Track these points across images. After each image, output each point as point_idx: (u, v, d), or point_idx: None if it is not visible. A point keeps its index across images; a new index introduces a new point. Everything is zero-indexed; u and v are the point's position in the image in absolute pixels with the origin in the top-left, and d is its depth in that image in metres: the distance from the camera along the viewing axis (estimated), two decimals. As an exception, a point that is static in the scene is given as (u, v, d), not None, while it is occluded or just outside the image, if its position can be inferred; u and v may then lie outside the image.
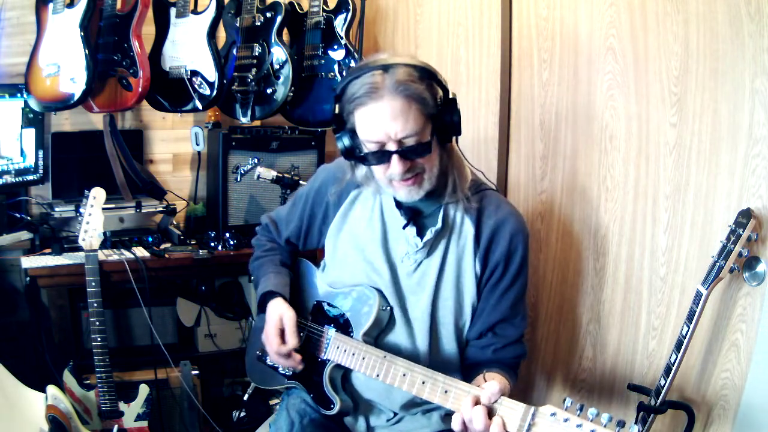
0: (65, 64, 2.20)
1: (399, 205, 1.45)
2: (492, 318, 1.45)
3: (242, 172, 2.32)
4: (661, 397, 1.48)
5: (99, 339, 1.98)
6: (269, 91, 2.45)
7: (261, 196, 2.50)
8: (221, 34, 2.48)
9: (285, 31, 2.52)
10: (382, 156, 1.32)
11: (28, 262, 2.17)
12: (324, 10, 2.49)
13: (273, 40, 2.43)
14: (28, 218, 2.37)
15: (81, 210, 2.02)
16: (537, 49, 2.02)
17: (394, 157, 1.31)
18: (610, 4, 1.77)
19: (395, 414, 1.50)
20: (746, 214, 1.38)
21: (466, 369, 1.47)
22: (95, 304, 1.96)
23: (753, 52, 1.42)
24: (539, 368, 2.10)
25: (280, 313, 1.48)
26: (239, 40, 2.45)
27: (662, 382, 1.48)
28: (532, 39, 2.04)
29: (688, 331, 1.42)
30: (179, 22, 2.32)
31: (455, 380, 1.25)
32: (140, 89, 2.25)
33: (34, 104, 2.27)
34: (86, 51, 2.18)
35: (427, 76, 1.31)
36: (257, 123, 2.62)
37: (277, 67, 2.43)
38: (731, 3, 1.46)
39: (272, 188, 2.37)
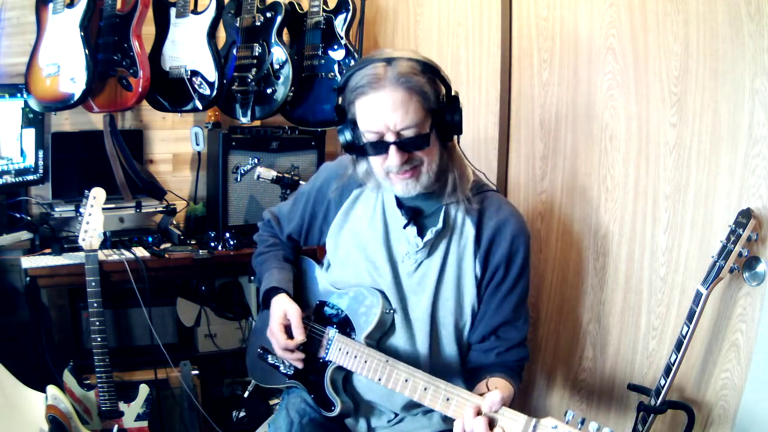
0: (65, 64, 2.20)
1: (400, 204, 1.45)
2: (494, 321, 1.44)
3: (242, 172, 2.32)
4: (661, 397, 1.48)
5: (99, 339, 1.98)
6: (269, 91, 2.45)
7: (261, 196, 2.50)
8: (221, 34, 2.48)
9: (285, 31, 2.52)
10: (380, 147, 1.32)
11: (28, 262, 2.17)
12: (324, 10, 2.49)
13: (273, 40, 2.43)
14: (28, 218, 2.37)
15: (81, 210, 2.02)
16: (537, 49, 2.02)
17: (392, 148, 1.31)
18: (610, 4, 1.77)
19: (396, 415, 1.50)
20: (746, 214, 1.38)
21: (468, 373, 1.46)
22: (95, 304, 1.96)
23: (753, 52, 1.42)
24: (539, 368, 2.10)
25: (284, 309, 1.47)
26: (239, 40, 2.45)
27: (662, 382, 1.48)
28: (532, 39, 2.04)
29: (688, 331, 1.42)
30: (179, 22, 2.32)
31: (457, 388, 1.24)
32: (140, 89, 2.25)
33: (34, 104, 2.27)
34: (86, 51, 2.18)
35: (430, 70, 1.32)
36: (257, 123, 2.62)
37: (277, 67, 2.43)
38: (731, 3, 1.46)
39: (272, 188, 2.37)
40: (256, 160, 2.30)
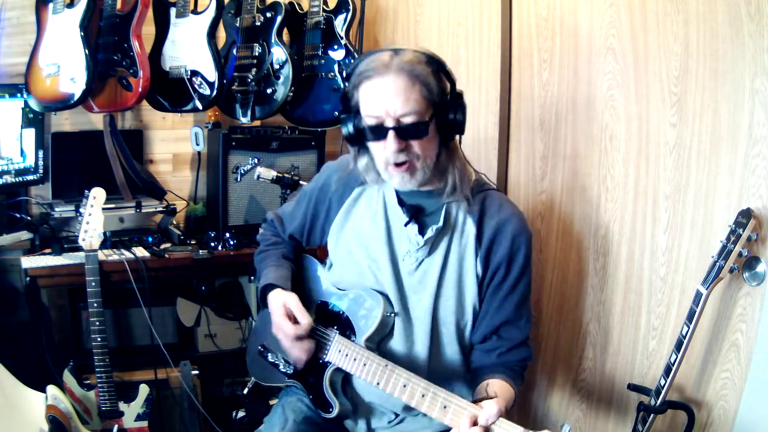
0: (65, 64, 2.20)
1: (402, 202, 1.45)
2: (496, 320, 1.44)
3: (242, 172, 2.32)
4: (661, 397, 1.48)
5: (99, 339, 1.98)
6: (269, 91, 2.45)
7: (261, 196, 2.50)
8: (221, 34, 2.48)
9: (285, 31, 2.52)
10: (379, 132, 1.33)
11: (28, 262, 2.17)
12: (324, 10, 2.49)
13: (273, 40, 2.43)
14: (28, 218, 2.37)
15: (81, 210, 2.02)
16: (537, 49, 2.02)
17: (390, 134, 1.31)
18: (610, 4, 1.77)
19: (397, 415, 1.50)
20: (746, 214, 1.38)
21: (470, 373, 1.46)
22: (95, 304, 1.96)
23: (753, 52, 1.42)
24: (539, 368, 2.10)
25: (282, 299, 1.47)
26: (239, 40, 2.45)
27: (662, 382, 1.48)
28: (532, 39, 2.04)
29: (688, 331, 1.42)
30: (179, 22, 2.32)
31: (455, 396, 1.24)
32: (140, 89, 2.25)
33: (34, 104, 2.27)
34: (86, 51, 2.18)
35: (435, 63, 1.34)
36: (257, 123, 2.62)
37: (277, 67, 2.43)
38: (731, 3, 1.46)
39: (272, 188, 2.37)
40: (256, 160, 2.30)
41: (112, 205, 2.37)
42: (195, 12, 2.30)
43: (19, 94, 2.26)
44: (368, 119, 1.34)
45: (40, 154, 2.37)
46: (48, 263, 2.16)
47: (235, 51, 2.46)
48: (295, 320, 1.45)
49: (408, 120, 1.31)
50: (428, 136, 1.34)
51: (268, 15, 2.42)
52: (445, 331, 1.45)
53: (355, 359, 1.39)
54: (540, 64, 2.01)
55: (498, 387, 1.33)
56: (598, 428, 1.90)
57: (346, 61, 2.47)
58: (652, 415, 1.53)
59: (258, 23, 2.42)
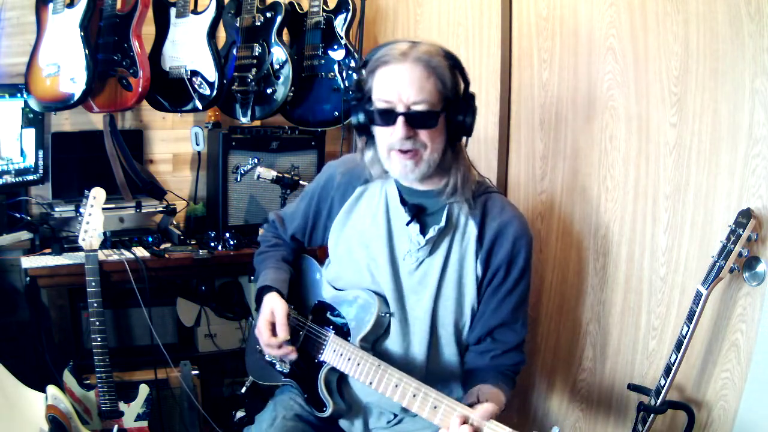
0: (65, 64, 2.20)
1: (404, 201, 1.45)
2: (492, 322, 1.44)
3: (242, 172, 2.32)
4: (661, 397, 1.48)
5: (99, 339, 1.98)
6: (269, 91, 2.45)
7: (261, 196, 2.50)
8: (221, 34, 2.49)
9: (285, 31, 2.52)
10: (388, 116, 1.33)
11: (28, 262, 2.17)
12: (324, 10, 2.49)
13: (273, 40, 2.43)
14: (28, 218, 2.37)
15: (81, 210, 2.02)
16: (537, 49, 2.02)
17: (400, 119, 1.31)
18: (610, 4, 1.77)
19: (395, 416, 1.50)
20: (746, 214, 1.38)
21: (464, 374, 1.46)
22: (95, 304, 1.96)
23: (753, 52, 1.42)
24: (539, 368, 2.10)
25: (271, 307, 1.48)
26: (239, 40, 2.46)
27: (662, 382, 1.48)
28: (532, 39, 2.04)
29: (688, 331, 1.42)
30: (179, 22, 2.32)
31: (446, 396, 1.23)
32: (140, 89, 2.25)
33: (34, 104, 2.27)
34: (86, 51, 2.18)
35: (452, 59, 1.36)
36: (257, 123, 2.62)
37: (277, 67, 2.43)
38: (731, 3, 1.46)
39: (272, 188, 2.37)
40: (256, 160, 2.30)
41: (112, 205, 2.37)
42: (195, 12, 2.31)
43: (19, 94, 2.26)
44: (379, 103, 1.34)
45: (40, 154, 2.37)
46: (48, 263, 2.16)
47: (235, 51, 2.46)
48: (275, 331, 1.46)
49: (418, 108, 1.31)
50: (437, 128, 1.34)
51: (268, 15, 2.43)
52: (443, 332, 1.45)
53: (349, 359, 1.40)
54: (540, 64, 2.01)
55: (489, 393, 1.33)
56: (598, 428, 1.90)
57: (346, 61, 2.47)
58: (652, 415, 1.53)
59: (258, 23, 2.42)
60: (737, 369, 1.47)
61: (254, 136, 2.48)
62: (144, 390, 2.08)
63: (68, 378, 2.04)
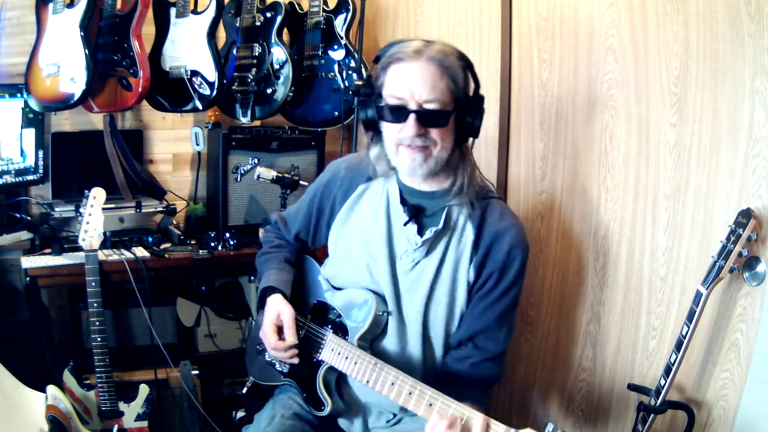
0: (65, 64, 2.20)
1: (404, 201, 1.45)
2: (475, 327, 1.42)
3: (242, 172, 2.32)
4: (661, 397, 1.48)
5: (99, 339, 1.98)
6: (269, 91, 2.45)
7: (261, 196, 2.50)
8: (221, 34, 2.48)
9: (285, 31, 2.52)
10: (399, 113, 1.33)
11: (28, 262, 2.17)
12: (324, 10, 2.49)
13: (273, 40, 2.43)
14: (28, 218, 2.37)
15: (81, 210, 2.02)
16: (537, 49, 2.02)
17: (411, 117, 1.32)
18: (610, 4, 1.77)
19: (394, 415, 1.50)
20: (746, 214, 1.38)
21: (440, 378, 1.43)
22: (95, 304, 1.96)
23: (753, 52, 1.42)
24: (539, 368, 2.10)
25: (277, 310, 1.48)
26: (239, 40, 2.46)
27: (662, 382, 1.48)
28: (532, 39, 2.04)
29: (688, 331, 1.42)
30: (179, 22, 2.32)
31: (442, 394, 1.23)
32: (140, 89, 2.25)
33: (34, 104, 2.27)
34: (86, 51, 2.18)
35: (465, 61, 1.36)
36: (257, 123, 2.62)
37: (277, 67, 2.43)
38: (731, 3, 1.46)
39: (272, 188, 2.37)
40: (256, 160, 2.30)
41: (112, 205, 2.37)
42: (195, 12, 2.30)
43: (19, 94, 2.26)
44: (390, 99, 1.34)
45: (40, 154, 2.37)
46: (48, 263, 2.16)
47: (235, 51, 2.46)
48: (281, 334, 1.46)
49: (430, 106, 1.32)
50: (447, 127, 1.35)
51: (268, 15, 2.43)
52: (434, 335, 1.44)
53: (346, 358, 1.40)
54: (540, 64, 2.01)
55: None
56: (598, 428, 1.90)
57: (346, 61, 2.47)
58: (652, 415, 1.53)
59: (258, 23, 2.42)
60: (737, 369, 1.47)
61: (254, 136, 2.48)
62: (144, 390, 2.08)
63: (68, 378, 2.04)
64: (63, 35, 2.21)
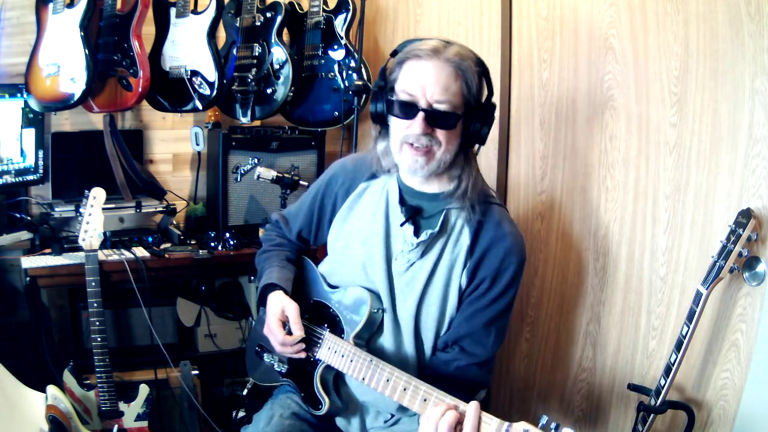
0: (65, 64, 2.20)
1: (403, 201, 1.45)
2: (461, 330, 1.41)
3: (242, 172, 2.32)
4: (661, 397, 1.48)
5: (99, 339, 1.97)
6: (269, 91, 2.45)
7: (261, 196, 2.50)
8: (221, 34, 2.48)
9: (285, 31, 2.52)
10: (409, 109, 1.33)
11: (28, 262, 2.16)
12: (324, 10, 2.49)
13: (273, 40, 2.43)
14: (28, 218, 2.37)
15: (81, 210, 2.02)
16: (537, 49, 2.02)
17: (420, 115, 1.32)
18: (610, 4, 1.77)
19: (392, 415, 1.50)
20: (746, 214, 1.38)
21: (426, 379, 1.38)
22: (95, 304, 1.96)
23: (753, 52, 1.42)
24: (539, 368, 2.10)
25: (282, 305, 1.47)
26: (239, 40, 2.45)
27: (662, 382, 1.48)
28: (532, 39, 2.04)
29: (688, 331, 1.42)
30: (179, 22, 2.31)
31: (436, 389, 1.23)
32: (140, 89, 2.25)
33: (34, 104, 2.27)
34: (86, 51, 2.18)
35: (482, 68, 1.36)
36: (257, 123, 2.62)
37: (277, 67, 2.43)
38: (731, 3, 1.46)
39: (272, 188, 2.37)
40: (256, 160, 2.30)
41: (112, 205, 2.37)
42: (195, 12, 2.30)
43: (19, 94, 2.26)
44: (402, 95, 1.34)
45: (40, 154, 2.37)
46: (48, 263, 2.16)
47: (235, 51, 2.46)
48: (289, 330, 1.45)
49: (440, 107, 1.32)
50: (454, 130, 1.35)
51: (268, 15, 2.42)
52: (425, 337, 1.44)
53: (343, 356, 1.40)
54: (540, 64, 2.01)
55: None
56: (598, 428, 1.90)
57: (346, 61, 2.47)
58: (652, 415, 1.53)
59: (258, 23, 2.42)
60: (737, 369, 1.47)
61: (254, 136, 2.48)
62: (144, 390, 2.08)
63: (68, 378, 2.04)
64: (63, 35, 2.21)
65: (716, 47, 1.50)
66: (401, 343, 1.44)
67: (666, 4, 1.62)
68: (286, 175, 2.21)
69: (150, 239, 2.40)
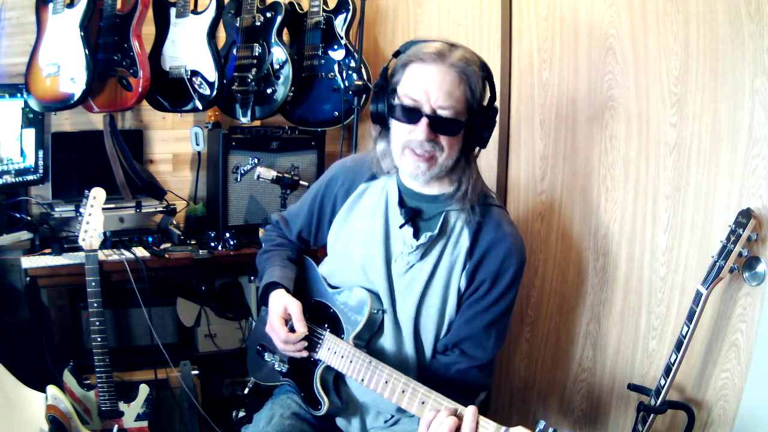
0: (65, 64, 2.20)
1: (402, 203, 1.45)
2: (461, 333, 1.41)
3: (242, 172, 2.32)
4: (661, 397, 1.48)
5: (99, 339, 1.97)
6: (269, 91, 2.45)
7: (261, 196, 2.50)
8: (221, 34, 2.48)
9: (285, 31, 2.52)
10: (412, 115, 1.32)
11: (28, 262, 2.16)
12: (324, 10, 2.49)
13: (273, 40, 2.43)
14: (28, 218, 2.37)
15: (81, 210, 2.02)
16: (537, 49, 2.02)
17: (424, 121, 1.31)
18: (610, 4, 1.77)
19: (392, 416, 1.49)
20: (746, 214, 1.38)
21: (426, 382, 1.37)
22: (95, 304, 1.96)
23: (753, 52, 1.42)
24: (539, 368, 2.10)
25: (284, 303, 1.46)
26: (239, 40, 2.45)
27: (662, 382, 1.48)
28: (532, 39, 2.04)
29: (688, 331, 1.42)
30: (179, 22, 2.31)
31: (434, 392, 1.23)
32: (140, 89, 2.25)
33: (34, 104, 2.27)
34: (86, 51, 2.18)
35: (486, 72, 1.35)
36: (257, 123, 2.62)
37: (277, 67, 2.43)
38: (731, 3, 1.46)
39: (272, 188, 2.37)
40: (256, 160, 2.30)
41: (112, 205, 2.37)
42: (195, 12, 2.30)
43: (19, 94, 2.26)
44: (405, 99, 1.33)
45: (40, 154, 2.37)
46: (48, 263, 2.16)
47: (235, 51, 2.46)
48: (291, 327, 1.45)
49: (444, 113, 1.31)
50: (457, 136, 1.34)
51: (268, 15, 2.43)
52: (425, 339, 1.44)
53: (342, 356, 1.40)
54: (540, 64, 2.01)
55: None
56: (598, 428, 1.90)
57: (346, 61, 2.47)
58: (652, 415, 1.53)
59: (258, 23, 2.42)
60: (737, 369, 1.47)
61: (254, 136, 2.48)
62: (144, 390, 2.08)
63: (68, 378, 2.04)
64: (63, 35, 2.21)
65: (716, 47, 1.50)
66: (401, 344, 1.44)
67: (666, 4, 1.62)
68: (286, 175, 2.21)
69: (150, 239, 2.40)
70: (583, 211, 1.91)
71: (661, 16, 1.63)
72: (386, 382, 1.29)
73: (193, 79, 2.30)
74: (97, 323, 1.97)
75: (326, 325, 1.49)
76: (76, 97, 2.21)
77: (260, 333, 1.61)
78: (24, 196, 2.40)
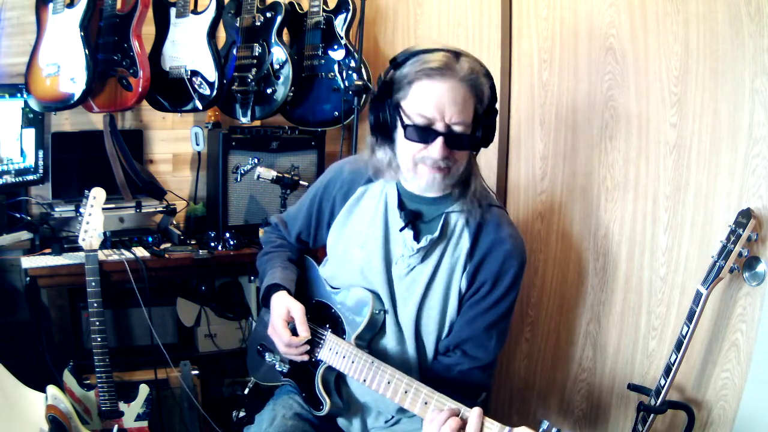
0: (65, 64, 2.20)
1: (402, 206, 1.45)
2: (463, 334, 1.41)
3: (242, 172, 2.32)
4: (661, 397, 1.48)
5: (99, 339, 1.97)
6: (269, 91, 2.45)
7: (261, 196, 2.50)
8: (221, 34, 2.48)
9: (285, 31, 2.52)
10: (426, 134, 1.30)
11: (28, 262, 2.16)
12: (324, 10, 2.49)
13: (273, 40, 2.43)
14: (28, 218, 2.37)
15: (81, 210, 2.02)
16: (537, 49, 2.02)
17: (440, 140, 1.30)
18: (610, 4, 1.77)
19: (393, 416, 1.49)
20: (746, 214, 1.38)
21: (429, 383, 1.37)
22: (95, 304, 1.96)
23: (753, 52, 1.42)
24: (539, 368, 2.10)
25: (287, 306, 1.46)
26: (239, 40, 2.46)
27: (662, 382, 1.48)
28: (532, 39, 2.04)
29: (688, 331, 1.42)
30: (179, 22, 2.32)
31: (437, 392, 1.23)
32: (140, 89, 2.25)
33: (34, 104, 2.27)
34: (86, 51, 2.18)
35: (490, 78, 1.35)
36: (257, 123, 2.62)
37: (277, 67, 2.43)
38: (731, 3, 1.46)
39: (272, 188, 2.37)
40: (256, 160, 2.30)
41: (112, 205, 2.37)
42: (195, 12, 2.30)
43: (19, 94, 2.26)
44: (417, 118, 1.30)
45: (40, 154, 2.37)
46: (48, 263, 2.16)
47: (235, 51, 2.46)
48: (293, 329, 1.44)
49: (458, 129, 1.30)
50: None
51: (268, 15, 2.43)
52: (426, 340, 1.44)
53: (344, 357, 1.39)
54: (540, 64, 2.01)
55: None
56: (598, 428, 1.90)
57: (346, 61, 2.47)
58: (652, 415, 1.53)
59: (258, 23, 2.42)
60: (737, 369, 1.47)
61: (254, 136, 2.48)
62: (144, 390, 2.08)
63: (68, 378, 2.04)
64: (63, 35, 2.21)
65: (716, 47, 1.50)
66: (403, 345, 1.44)
67: (666, 4, 1.62)
68: (286, 175, 2.21)
69: (150, 239, 2.40)
70: (583, 211, 1.91)
71: (661, 16, 1.63)
72: (389, 383, 1.29)
73: (193, 79, 2.30)
74: (97, 323, 1.97)
75: (327, 326, 1.49)
76: (76, 97, 2.21)
77: (261, 333, 1.61)
78: (24, 196, 2.40)
